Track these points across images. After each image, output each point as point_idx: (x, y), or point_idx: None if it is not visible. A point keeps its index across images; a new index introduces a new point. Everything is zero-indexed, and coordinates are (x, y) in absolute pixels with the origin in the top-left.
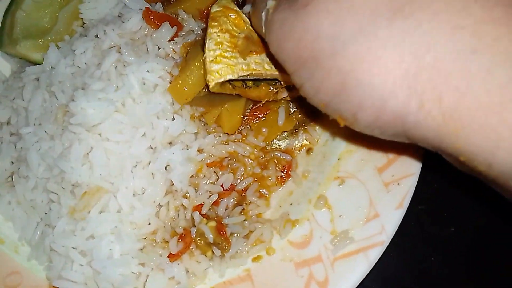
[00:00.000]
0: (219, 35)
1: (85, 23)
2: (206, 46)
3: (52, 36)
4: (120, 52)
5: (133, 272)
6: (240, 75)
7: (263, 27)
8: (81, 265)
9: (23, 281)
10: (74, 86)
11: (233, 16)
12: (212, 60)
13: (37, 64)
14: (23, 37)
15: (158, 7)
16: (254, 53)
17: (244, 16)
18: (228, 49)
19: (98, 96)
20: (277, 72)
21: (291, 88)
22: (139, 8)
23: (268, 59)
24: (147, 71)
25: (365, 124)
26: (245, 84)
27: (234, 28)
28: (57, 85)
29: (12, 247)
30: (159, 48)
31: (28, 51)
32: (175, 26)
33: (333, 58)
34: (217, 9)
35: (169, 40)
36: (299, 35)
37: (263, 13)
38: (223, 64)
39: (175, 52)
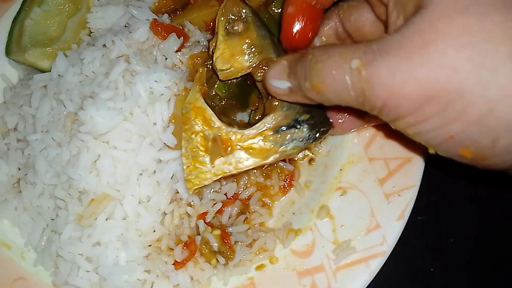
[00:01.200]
0: (192, 139)
1: (92, 32)
2: (183, 151)
3: (60, 44)
4: (128, 62)
5: (138, 279)
6: (213, 180)
7: (352, 89)
8: (87, 271)
9: (29, 287)
10: (82, 94)
11: (200, 118)
12: (188, 167)
13: (45, 72)
14: (31, 45)
15: (165, 18)
16: (221, 157)
17: (210, 112)
18: (201, 153)
19: (107, 105)
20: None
21: None
22: (146, 18)
23: (234, 159)
24: (156, 81)
25: (505, 150)
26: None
27: (204, 127)
28: (65, 93)
29: (18, 253)
30: (166, 59)
31: (36, 59)
32: (182, 37)
33: (479, 87)
34: (185, 111)
35: (176, 51)
36: (422, 75)
37: (348, 77)
38: (198, 172)
39: (182, 63)
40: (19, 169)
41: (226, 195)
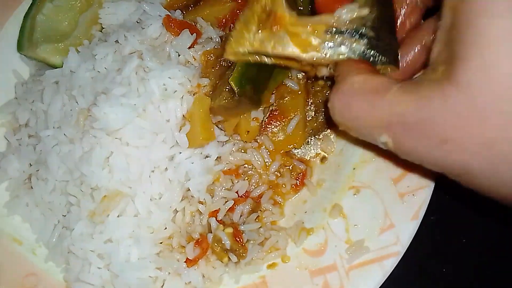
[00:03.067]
0: (253, 6)
1: (103, 28)
2: (241, 14)
3: (71, 40)
4: (141, 58)
5: (150, 276)
6: (248, 50)
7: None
8: (99, 268)
9: (40, 283)
10: (94, 90)
11: None
12: (235, 30)
13: (57, 68)
14: (42, 40)
15: (177, 14)
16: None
17: None
18: (253, 21)
19: (121, 101)
20: (283, 54)
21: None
22: (159, 14)
23: (276, 38)
24: (169, 77)
25: None
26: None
27: (269, 2)
28: (77, 89)
29: (29, 249)
30: (179, 55)
31: (48, 55)
32: (195, 33)
33: None
34: None
35: (189, 47)
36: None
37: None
38: (240, 37)
39: (195, 59)
40: (31, 165)
41: (237, 193)
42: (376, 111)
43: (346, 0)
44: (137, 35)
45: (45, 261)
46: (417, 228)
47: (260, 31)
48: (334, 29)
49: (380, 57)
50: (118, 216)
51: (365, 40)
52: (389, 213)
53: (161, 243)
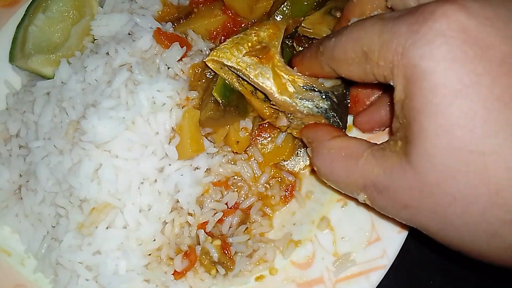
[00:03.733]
0: (250, 34)
1: (96, 39)
2: (235, 36)
3: (63, 51)
4: (131, 71)
5: None
6: (233, 65)
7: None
8: (87, 280)
9: None
10: (84, 102)
11: (271, 31)
12: (225, 46)
13: (48, 79)
14: (34, 51)
15: (168, 26)
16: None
17: (281, 35)
18: (245, 46)
19: (110, 114)
20: (269, 89)
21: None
22: (150, 27)
23: (260, 69)
24: (158, 90)
25: None
26: (254, 92)
27: (266, 37)
28: (67, 101)
29: (18, 260)
30: (168, 68)
31: (39, 66)
32: (185, 46)
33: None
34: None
35: (178, 60)
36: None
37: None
38: (228, 50)
39: (183, 72)
40: (21, 175)
41: (227, 205)
42: (353, 175)
43: (316, 69)
44: (127, 48)
45: (34, 272)
46: (404, 241)
47: (249, 56)
48: (309, 86)
49: (335, 118)
50: (107, 228)
51: (329, 102)
52: (376, 226)
53: (149, 254)
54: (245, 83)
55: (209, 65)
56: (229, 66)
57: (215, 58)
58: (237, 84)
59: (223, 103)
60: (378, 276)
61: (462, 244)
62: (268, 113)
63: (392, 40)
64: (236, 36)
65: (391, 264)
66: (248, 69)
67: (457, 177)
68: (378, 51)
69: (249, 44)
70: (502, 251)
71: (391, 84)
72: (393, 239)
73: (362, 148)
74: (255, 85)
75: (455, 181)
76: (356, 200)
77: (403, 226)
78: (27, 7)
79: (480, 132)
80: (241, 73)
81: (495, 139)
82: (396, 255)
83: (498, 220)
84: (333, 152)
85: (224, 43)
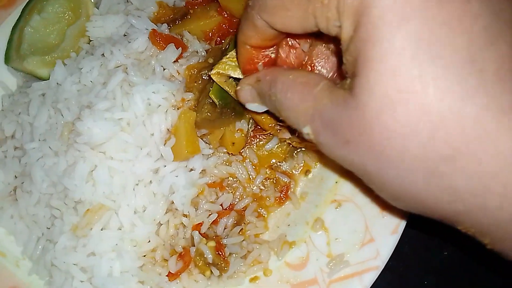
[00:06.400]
0: None
1: (91, 40)
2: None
3: (59, 52)
4: (126, 72)
5: None
6: (240, 77)
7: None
8: (82, 281)
9: None
10: (79, 104)
11: None
12: (229, 57)
13: (43, 80)
14: (30, 53)
15: (164, 28)
16: None
17: None
18: None
19: (105, 116)
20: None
21: (293, 132)
22: (145, 28)
23: None
24: (153, 92)
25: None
26: None
27: None
28: (63, 102)
29: (13, 261)
30: (164, 69)
31: (35, 67)
32: (180, 47)
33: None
34: None
35: (174, 62)
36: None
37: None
38: (231, 64)
39: (179, 73)
40: (16, 177)
41: (222, 206)
42: (304, 103)
43: (250, 32)
44: (123, 49)
45: (29, 274)
46: (397, 242)
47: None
48: None
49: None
50: (101, 230)
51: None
52: (369, 227)
53: (144, 256)
54: None
55: (214, 78)
56: (236, 77)
57: (221, 71)
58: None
59: (220, 105)
60: (371, 277)
61: (399, 185)
62: (269, 125)
63: None
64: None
65: (384, 265)
66: None
67: (397, 108)
68: None
69: None
70: (439, 193)
71: (335, 26)
72: (386, 240)
73: (319, 78)
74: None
75: (395, 113)
76: (350, 202)
77: (398, 222)
78: (23, 8)
79: (424, 57)
80: None
81: (440, 64)
82: (389, 256)
83: (438, 155)
84: (290, 78)
85: (227, 56)
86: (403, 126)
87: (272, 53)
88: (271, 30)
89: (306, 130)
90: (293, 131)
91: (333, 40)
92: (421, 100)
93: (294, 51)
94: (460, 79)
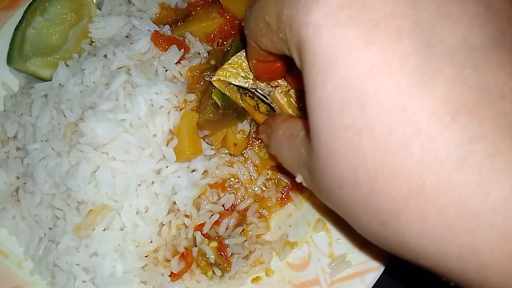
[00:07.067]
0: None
1: (93, 42)
2: (240, 54)
3: (61, 54)
4: (129, 73)
5: None
6: (241, 84)
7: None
8: (84, 281)
9: None
10: (82, 104)
11: None
12: (230, 64)
13: (46, 81)
14: (32, 54)
15: (166, 29)
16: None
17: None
18: (245, 70)
19: (108, 116)
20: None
21: None
22: (148, 29)
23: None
24: (156, 93)
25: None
26: (257, 107)
27: None
28: (65, 103)
29: (15, 262)
30: (166, 70)
31: (37, 68)
32: (182, 49)
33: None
34: None
35: (176, 63)
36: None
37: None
38: (234, 70)
39: (181, 75)
40: (18, 177)
41: (223, 207)
42: (291, 155)
43: (249, 50)
44: (125, 50)
45: (31, 274)
46: None
47: (256, 80)
48: None
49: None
50: (104, 230)
51: None
52: None
53: (146, 256)
54: (248, 98)
55: (215, 84)
56: (237, 85)
57: (222, 78)
58: (240, 101)
59: (223, 106)
60: (373, 277)
61: (366, 235)
62: None
63: (282, 10)
64: (239, 54)
65: (386, 265)
66: (259, 85)
67: (340, 159)
68: (276, 22)
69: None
70: (398, 249)
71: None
72: None
73: (299, 127)
74: (270, 103)
75: (339, 164)
76: None
77: None
78: (25, 10)
79: (353, 105)
80: (254, 90)
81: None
82: (391, 257)
83: (385, 209)
84: (280, 133)
85: (229, 62)
86: (349, 177)
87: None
88: (261, 50)
89: (299, 180)
90: None
91: None
92: (357, 152)
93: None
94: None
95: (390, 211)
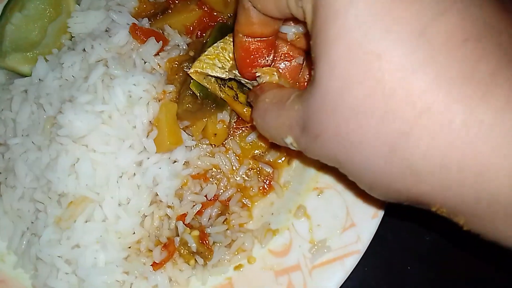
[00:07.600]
0: (230, 45)
1: (73, 36)
2: (216, 45)
3: (40, 49)
4: (107, 66)
5: (117, 281)
6: (218, 75)
7: None
8: (66, 273)
9: None
10: (61, 98)
11: None
12: (207, 55)
13: (26, 77)
14: (12, 49)
15: (145, 22)
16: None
17: None
18: (227, 57)
19: (86, 108)
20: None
21: None
22: (126, 23)
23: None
24: (134, 84)
25: None
26: (236, 97)
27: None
28: (45, 97)
29: None
30: (145, 62)
31: (17, 64)
32: (161, 41)
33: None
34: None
35: (155, 55)
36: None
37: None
38: (211, 62)
39: (160, 66)
40: (0, 173)
41: (206, 197)
42: (280, 117)
43: (245, 19)
44: (103, 44)
45: (14, 268)
46: (378, 226)
47: (232, 69)
48: None
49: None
50: (85, 222)
51: None
52: (350, 213)
53: (129, 247)
54: (227, 89)
55: (192, 76)
56: (214, 76)
57: (199, 70)
58: (219, 92)
59: (201, 96)
60: (352, 261)
61: (366, 171)
62: (250, 116)
63: None
64: (215, 45)
65: (365, 249)
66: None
67: (354, 85)
68: None
69: (230, 54)
70: (401, 175)
71: (300, 9)
72: (367, 225)
73: (290, 92)
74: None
75: (353, 91)
76: (332, 189)
77: (379, 206)
78: (4, 6)
79: (376, 32)
80: (238, 79)
81: (391, 38)
82: (370, 240)
83: (393, 131)
84: (267, 101)
85: (205, 53)
86: (361, 105)
87: (267, 61)
88: (258, 14)
89: (289, 141)
90: None
91: None
92: (375, 76)
93: (289, 64)
94: (409, 52)
95: (400, 133)
